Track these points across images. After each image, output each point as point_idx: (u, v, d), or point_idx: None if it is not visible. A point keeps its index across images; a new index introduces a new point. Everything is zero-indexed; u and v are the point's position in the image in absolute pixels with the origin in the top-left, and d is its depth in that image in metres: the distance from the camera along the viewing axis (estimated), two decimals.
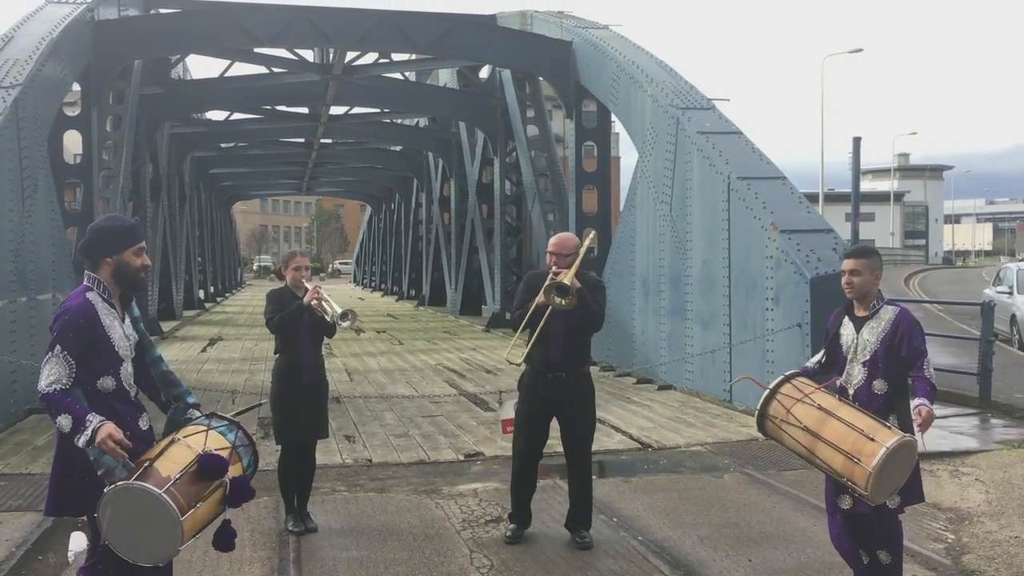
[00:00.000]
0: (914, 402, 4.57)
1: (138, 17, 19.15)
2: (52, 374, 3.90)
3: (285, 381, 6.57)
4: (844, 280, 4.87)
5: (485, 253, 26.81)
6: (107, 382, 4.03)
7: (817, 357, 5.03)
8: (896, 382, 4.74)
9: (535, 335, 6.16)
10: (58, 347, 3.93)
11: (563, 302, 5.93)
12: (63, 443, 4.00)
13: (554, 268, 6.17)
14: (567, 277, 6.00)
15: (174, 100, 24.23)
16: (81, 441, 3.83)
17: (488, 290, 26.78)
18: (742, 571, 5.76)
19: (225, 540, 4.07)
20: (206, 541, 4.11)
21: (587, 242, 6.44)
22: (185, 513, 3.73)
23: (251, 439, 4.21)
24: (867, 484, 4.29)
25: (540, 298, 6.03)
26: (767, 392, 4.73)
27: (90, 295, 4.08)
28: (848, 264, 4.87)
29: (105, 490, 3.78)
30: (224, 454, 3.96)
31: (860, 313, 4.85)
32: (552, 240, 6.39)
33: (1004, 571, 5.75)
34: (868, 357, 4.75)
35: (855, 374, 4.80)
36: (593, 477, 7.97)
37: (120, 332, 4.11)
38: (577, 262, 6.18)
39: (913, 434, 4.50)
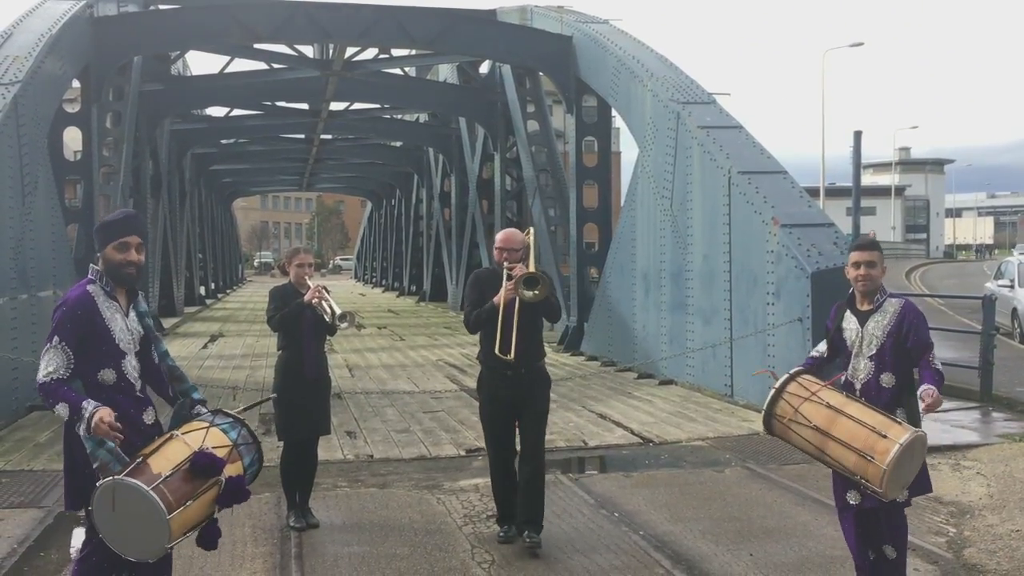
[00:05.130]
0: (921, 387, 4.51)
1: (137, 13, 19.09)
2: (50, 364, 3.93)
3: (288, 377, 6.58)
4: (860, 273, 4.70)
5: (486, 248, 26.78)
6: (107, 375, 4.04)
7: (820, 348, 4.97)
8: (903, 375, 4.68)
9: (499, 333, 5.93)
10: (56, 338, 3.97)
11: (533, 294, 5.87)
12: (68, 438, 4.02)
13: (506, 264, 6.07)
14: (531, 269, 5.98)
15: (174, 96, 24.22)
16: (81, 429, 3.85)
17: None
18: (743, 565, 5.77)
19: (208, 539, 4.02)
20: None
21: (532, 238, 6.38)
22: (173, 511, 3.71)
23: (255, 437, 4.19)
24: (882, 481, 4.28)
25: (505, 294, 5.94)
26: (773, 391, 4.65)
27: (91, 287, 4.11)
28: (862, 256, 4.71)
29: (98, 484, 3.79)
30: (223, 452, 3.94)
31: (864, 307, 4.77)
32: (500, 236, 6.27)
33: (1005, 564, 5.75)
34: (875, 351, 4.69)
35: (861, 368, 4.73)
36: (595, 473, 7.93)
37: (122, 325, 4.11)
38: (531, 257, 6.15)
39: (920, 427, 4.49)
